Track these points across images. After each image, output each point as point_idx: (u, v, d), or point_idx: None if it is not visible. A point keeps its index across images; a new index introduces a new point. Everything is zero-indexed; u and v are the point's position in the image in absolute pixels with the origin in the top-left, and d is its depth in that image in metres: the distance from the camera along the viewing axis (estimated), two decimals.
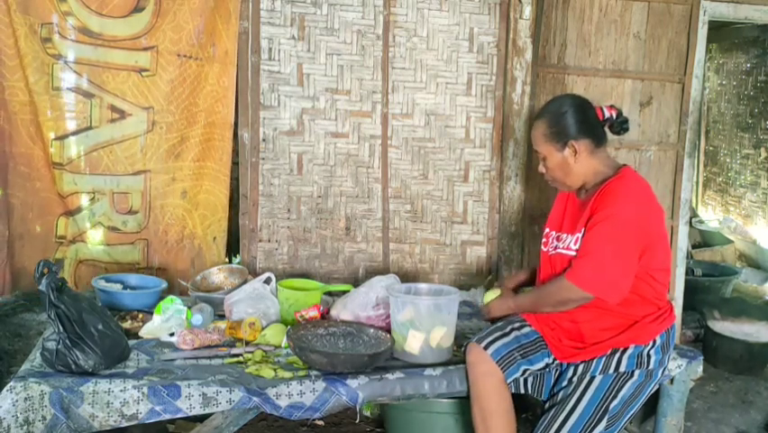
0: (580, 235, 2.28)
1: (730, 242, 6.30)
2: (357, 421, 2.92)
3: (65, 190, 3.38)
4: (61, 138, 3.33)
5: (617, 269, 2.21)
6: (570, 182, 2.38)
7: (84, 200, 3.41)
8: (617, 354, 2.29)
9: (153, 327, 2.65)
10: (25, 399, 2.07)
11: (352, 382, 2.31)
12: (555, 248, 2.39)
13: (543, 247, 2.49)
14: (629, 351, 2.29)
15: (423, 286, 2.68)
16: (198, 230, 3.57)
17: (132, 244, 3.50)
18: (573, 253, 2.29)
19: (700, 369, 2.66)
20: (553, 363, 2.42)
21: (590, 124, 2.36)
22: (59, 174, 3.35)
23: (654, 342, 2.32)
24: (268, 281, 2.93)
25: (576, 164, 2.33)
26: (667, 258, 2.36)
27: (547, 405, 2.40)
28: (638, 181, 2.31)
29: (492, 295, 2.64)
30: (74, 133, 3.34)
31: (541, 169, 2.44)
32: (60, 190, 3.37)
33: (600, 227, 2.21)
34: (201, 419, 2.38)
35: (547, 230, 2.51)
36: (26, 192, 3.35)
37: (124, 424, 2.15)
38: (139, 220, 3.49)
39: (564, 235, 2.38)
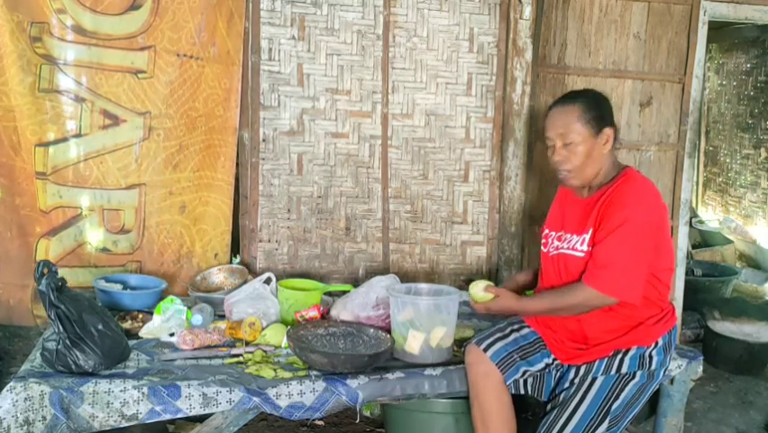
0: (587, 236, 2.27)
1: (730, 242, 6.30)
2: (357, 421, 2.91)
3: (48, 204, 3.07)
4: (46, 145, 3.05)
5: (637, 271, 2.21)
6: (588, 172, 2.31)
7: (69, 216, 3.12)
8: (620, 356, 2.29)
9: (153, 328, 2.65)
10: (25, 399, 2.07)
11: (352, 382, 2.31)
12: (557, 248, 2.38)
13: (542, 248, 2.48)
14: (631, 352, 2.29)
15: (423, 286, 2.68)
16: (197, 247, 3.38)
17: (123, 267, 3.24)
18: (581, 254, 2.27)
19: (700, 369, 2.66)
20: (552, 363, 2.42)
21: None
22: (41, 185, 3.05)
23: (657, 343, 2.31)
24: (268, 281, 2.93)
25: (602, 155, 2.30)
26: (671, 258, 2.36)
27: (548, 406, 2.39)
28: (645, 182, 2.30)
29: (479, 285, 2.45)
30: (61, 141, 3.07)
31: (557, 155, 2.31)
32: (43, 204, 3.08)
33: (619, 232, 2.18)
34: (201, 419, 2.38)
35: (546, 231, 2.50)
36: (5, 208, 3.08)
37: (124, 424, 2.15)
38: (132, 240, 3.23)
39: (568, 236, 2.36)
